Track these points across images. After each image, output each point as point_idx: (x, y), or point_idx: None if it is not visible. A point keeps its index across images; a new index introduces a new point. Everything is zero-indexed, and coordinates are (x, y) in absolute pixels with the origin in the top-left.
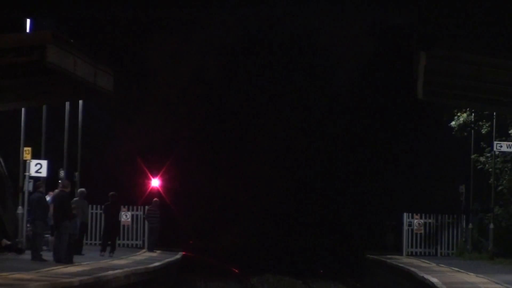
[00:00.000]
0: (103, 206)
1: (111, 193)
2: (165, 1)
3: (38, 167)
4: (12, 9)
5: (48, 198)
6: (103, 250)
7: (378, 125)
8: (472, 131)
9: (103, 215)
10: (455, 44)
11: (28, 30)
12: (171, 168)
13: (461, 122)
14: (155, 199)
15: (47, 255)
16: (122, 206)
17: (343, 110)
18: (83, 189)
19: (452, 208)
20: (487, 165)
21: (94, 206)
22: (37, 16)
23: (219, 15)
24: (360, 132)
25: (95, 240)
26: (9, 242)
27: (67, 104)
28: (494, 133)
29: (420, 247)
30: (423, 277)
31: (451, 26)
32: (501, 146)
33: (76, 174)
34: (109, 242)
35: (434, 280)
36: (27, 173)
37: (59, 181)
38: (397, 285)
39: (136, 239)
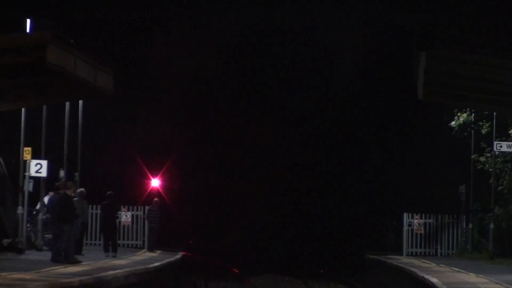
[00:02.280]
0: (100, 206)
1: (109, 192)
2: (165, 1)
3: (38, 167)
4: (12, 9)
5: (47, 198)
6: (106, 250)
7: (378, 125)
8: (472, 131)
9: (101, 215)
10: (455, 44)
11: (28, 30)
12: (171, 168)
13: (461, 122)
14: (156, 199)
15: (47, 255)
16: (122, 206)
17: (344, 110)
18: (82, 189)
19: (452, 208)
20: (487, 165)
21: (94, 206)
22: (37, 16)
23: (219, 15)
24: (360, 132)
25: (95, 240)
26: (9, 240)
27: (67, 104)
28: (494, 133)
29: (420, 247)
30: (423, 277)
31: (451, 26)
32: (501, 146)
33: (76, 174)
34: (110, 243)
35: (434, 280)
36: (27, 173)
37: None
38: (397, 285)
39: (136, 239)
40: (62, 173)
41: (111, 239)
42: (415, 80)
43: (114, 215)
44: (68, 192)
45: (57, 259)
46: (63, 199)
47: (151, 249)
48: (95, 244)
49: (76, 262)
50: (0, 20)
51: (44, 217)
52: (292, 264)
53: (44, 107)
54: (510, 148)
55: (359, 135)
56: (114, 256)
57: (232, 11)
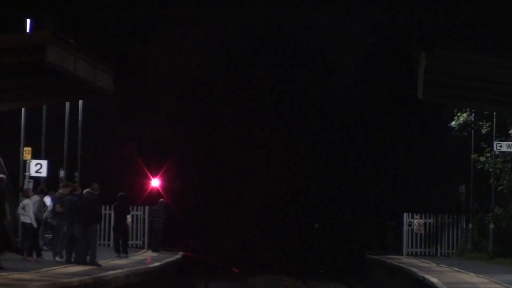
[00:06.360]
0: (112, 206)
1: (120, 193)
2: (165, 1)
3: (38, 167)
4: (12, 9)
5: (48, 198)
6: (118, 251)
7: (378, 125)
8: (472, 131)
9: (112, 215)
10: (455, 44)
11: (28, 30)
12: (171, 168)
13: (461, 122)
14: (162, 199)
15: (48, 255)
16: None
17: (343, 110)
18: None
19: (452, 208)
20: (487, 165)
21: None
22: (37, 16)
23: (219, 14)
24: (360, 132)
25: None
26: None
27: (67, 104)
28: (494, 133)
29: (420, 247)
30: (423, 277)
31: (451, 26)
32: (501, 146)
33: (76, 174)
34: (121, 243)
35: (434, 280)
36: (27, 173)
37: (74, 183)
38: (397, 285)
39: (136, 239)
40: (62, 173)
41: (123, 239)
42: (415, 80)
43: (125, 216)
44: (96, 192)
45: (94, 262)
46: (94, 200)
47: (156, 249)
48: (101, 244)
49: (97, 265)
50: (0, 20)
51: (46, 217)
52: (292, 264)
53: (44, 107)
54: (510, 148)
55: (359, 135)
56: (126, 257)
57: (232, 11)
